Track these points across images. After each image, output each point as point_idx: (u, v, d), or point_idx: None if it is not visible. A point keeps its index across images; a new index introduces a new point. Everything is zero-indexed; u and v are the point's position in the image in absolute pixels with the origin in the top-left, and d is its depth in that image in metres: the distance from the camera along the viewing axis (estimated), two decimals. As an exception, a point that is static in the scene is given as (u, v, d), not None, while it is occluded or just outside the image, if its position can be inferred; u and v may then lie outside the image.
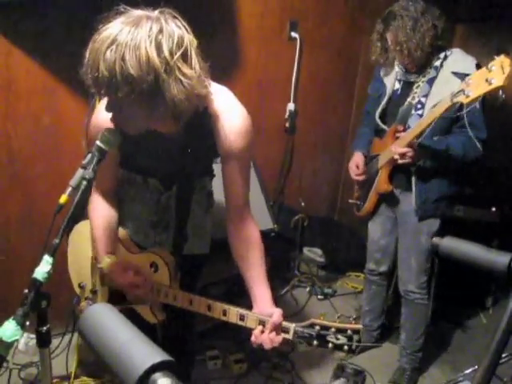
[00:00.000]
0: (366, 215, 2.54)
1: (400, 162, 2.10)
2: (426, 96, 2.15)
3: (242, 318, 1.39)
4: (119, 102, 1.14)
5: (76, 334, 2.01)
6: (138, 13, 1.14)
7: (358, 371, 2.45)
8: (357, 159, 2.52)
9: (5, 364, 0.94)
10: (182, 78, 1.11)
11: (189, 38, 1.15)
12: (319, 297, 3.33)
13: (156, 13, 1.14)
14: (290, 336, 1.34)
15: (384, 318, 2.79)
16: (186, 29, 1.16)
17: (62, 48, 2.21)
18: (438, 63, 2.13)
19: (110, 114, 1.34)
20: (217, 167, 1.71)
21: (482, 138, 2.07)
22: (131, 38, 1.06)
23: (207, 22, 2.65)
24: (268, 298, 1.43)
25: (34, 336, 1.13)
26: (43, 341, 1.12)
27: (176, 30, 1.12)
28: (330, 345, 1.30)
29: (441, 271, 2.79)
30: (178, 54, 1.11)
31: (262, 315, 1.37)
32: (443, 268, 2.78)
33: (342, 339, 1.29)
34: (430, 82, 2.15)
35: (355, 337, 1.29)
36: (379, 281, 2.66)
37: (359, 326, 1.30)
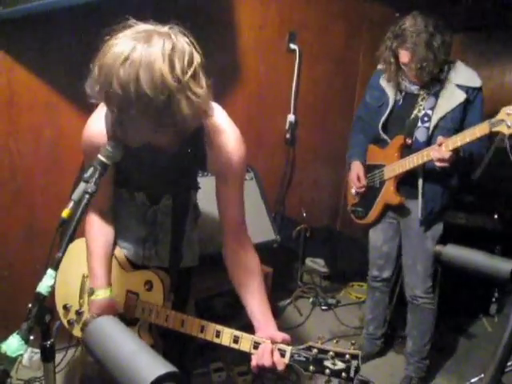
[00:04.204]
0: (370, 224, 2.54)
1: (440, 165, 2.04)
2: (432, 109, 2.17)
3: (236, 340, 1.35)
4: (129, 116, 1.13)
5: (79, 349, 1.99)
6: (147, 27, 1.13)
7: (364, 381, 2.43)
8: (357, 170, 2.50)
9: (8, 380, 0.93)
10: (193, 97, 1.11)
11: (197, 55, 1.15)
12: (323, 307, 3.31)
13: (166, 28, 1.13)
14: (286, 359, 1.27)
15: (387, 326, 2.78)
16: (195, 46, 1.16)
17: (63, 63, 2.24)
18: (442, 76, 2.15)
19: (103, 127, 1.34)
20: (203, 180, 1.72)
21: None
22: (145, 55, 1.05)
23: (206, 35, 2.68)
24: (272, 325, 1.38)
25: (37, 350, 1.12)
26: (47, 355, 1.11)
27: (186, 47, 1.12)
28: (327, 370, 1.23)
29: (444, 279, 2.78)
30: (190, 72, 1.10)
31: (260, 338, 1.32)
32: (447, 275, 2.77)
33: (340, 365, 1.22)
34: (436, 94, 2.17)
35: (353, 362, 1.21)
36: (382, 287, 2.65)
37: (358, 352, 1.22)
